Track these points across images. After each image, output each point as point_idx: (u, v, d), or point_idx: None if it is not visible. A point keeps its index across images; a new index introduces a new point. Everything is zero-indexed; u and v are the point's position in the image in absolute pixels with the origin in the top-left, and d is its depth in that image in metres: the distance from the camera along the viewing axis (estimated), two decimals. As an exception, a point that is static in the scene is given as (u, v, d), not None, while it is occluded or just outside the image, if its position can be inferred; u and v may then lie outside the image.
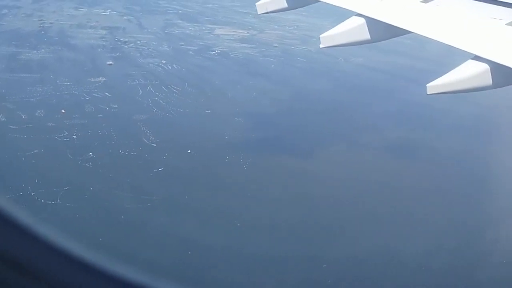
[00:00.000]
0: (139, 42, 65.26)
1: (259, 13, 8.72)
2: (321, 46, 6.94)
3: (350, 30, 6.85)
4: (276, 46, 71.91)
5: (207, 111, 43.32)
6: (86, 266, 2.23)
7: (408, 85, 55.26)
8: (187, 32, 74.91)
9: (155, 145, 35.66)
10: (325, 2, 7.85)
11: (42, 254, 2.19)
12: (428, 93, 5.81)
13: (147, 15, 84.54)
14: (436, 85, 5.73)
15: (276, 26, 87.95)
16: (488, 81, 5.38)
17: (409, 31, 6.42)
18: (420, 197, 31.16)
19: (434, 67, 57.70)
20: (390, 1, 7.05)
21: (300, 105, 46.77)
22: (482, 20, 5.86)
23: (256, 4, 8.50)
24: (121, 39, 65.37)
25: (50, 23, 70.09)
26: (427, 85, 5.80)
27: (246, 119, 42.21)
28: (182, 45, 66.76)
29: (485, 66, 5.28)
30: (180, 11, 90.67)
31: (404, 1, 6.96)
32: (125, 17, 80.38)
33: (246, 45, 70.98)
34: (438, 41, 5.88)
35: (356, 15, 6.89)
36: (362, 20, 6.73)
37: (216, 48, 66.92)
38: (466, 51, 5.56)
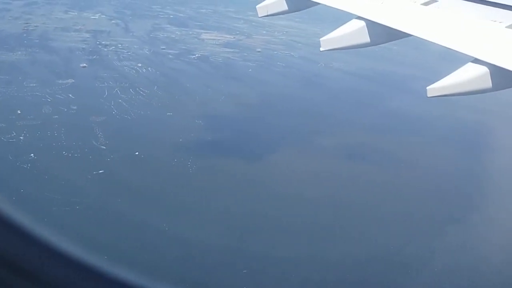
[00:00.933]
0: (120, 45, 64.97)
1: (259, 15, 8.88)
2: (321, 49, 6.99)
3: (350, 33, 6.89)
4: (259, 51, 71.26)
5: (168, 113, 42.78)
6: None
7: (383, 90, 54.57)
8: (173, 36, 74.56)
9: (104, 147, 35.10)
10: (325, 5, 7.93)
11: None
12: (428, 96, 5.79)
13: (137, 19, 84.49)
14: (435, 87, 5.76)
15: (264, 32, 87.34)
16: (488, 83, 5.38)
17: (409, 34, 6.41)
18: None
19: (416, 73, 57.52)
20: (390, 4, 7.07)
21: (266, 109, 46.02)
22: (482, 22, 5.88)
23: (257, 7, 8.58)
24: (103, 42, 65.21)
25: (35, 26, 70.21)
26: (427, 88, 5.82)
27: (206, 121, 41.57)
28: (164, 49, 66.35)
29: (484, 69, 5.34)
30: (171, 16, 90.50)
31: (404, 3, 6.95)
32: (113, 21, 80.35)
33: (228, 50, 70.41)
34: (438, 44, 5.94)
35: (356, 18, 6.93)
36: (362, 23, 6.79)
37: (198, 52, 66.40)
38: (465, 54, 5.61)
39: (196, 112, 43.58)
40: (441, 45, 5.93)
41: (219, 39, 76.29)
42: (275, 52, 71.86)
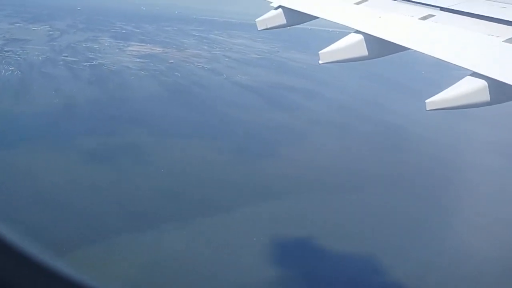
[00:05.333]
0: (21, 52, 66.10)
1: (259, 29, 8.86)
2: (320, 62, 6.97)
3: (348, 46, 6.96)
4: (171, 62, 70.26)
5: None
6: None
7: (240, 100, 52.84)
8: (96, 47, 75.13)
9: None
10: (323, 19, 8.06)
11: None
12: (427, 109, 5.73)
13: (80, 32, 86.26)
14: (434, 101, 5.73)
15: (205, 47, 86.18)
16: (486, 97, 5.46)
17: (407, 48, 6.49)
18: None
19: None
20: (388, 18, 7.23)
21: (85, 110, 46.38)
22: (480, 37, 6.02)
23: (256, 20, 8.62)
24: (5, 49, 66.40)
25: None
26: (426, 101, 5.72)
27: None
28: (66, 56, 66.78)
29: (483, 83, 5.38)
30: (123, 31, 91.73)
31: (402, 18, 7.13)
32: (50, 32, 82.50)
33: (140, 60, 69.94)
34: (436, 57, 6.02)
35: (354, 32, 7.06)
36: (360, 37, 6.84)
37: (99, 61, 66.32)
38: (464, 68, 5.64)
39: (14, 109, 43.80)
40: (438, 59, 6.02)
41: (143, 51, 75.92)
42: (187, 64, 70.43)
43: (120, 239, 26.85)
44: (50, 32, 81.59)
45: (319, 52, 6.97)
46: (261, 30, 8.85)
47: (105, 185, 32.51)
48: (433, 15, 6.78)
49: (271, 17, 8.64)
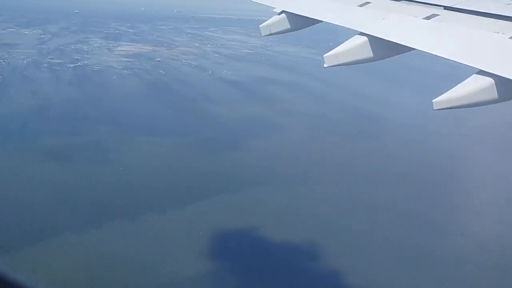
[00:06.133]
0: (7, 55, 66.32)
1: (263, 35, 8.85)
2: (325, 65, 6.98)
3: (353, 49, 6.98)
4: (158, 60, 69.86)
5: None
6: None
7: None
8: (85, 48, 75.10)
9: None
10: (327, 22, 8.12)
11: None
12: (434, 109, 5.73)
13: (72, 34, 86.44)
14: (441, 100, 5.73)
15: (197, 44, 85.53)
16: (494, 95, 5.48)
17: (412, 48, 6.51)
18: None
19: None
20: (392, 19, 7.27)
21: (58, 111, 46.29)
22: (485, 35, 6.02)
23: (260, 26, 8.59)
24: (-8, 53, 66.71)
25: None
26: (433, 100, 5.71)
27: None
28: (52, 58, 66.76)
29: (490, 80, 5.39)
30: (117, 31, 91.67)
31: (406, 18, 7.16)
32: (42, 36, 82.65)
33: (125, 59, 69.67)
34: (442, 57, 5.99)
35: (359, 34, 7.07)
36: (365, 39, 6.87)
37: (84, 62, 66.27)
38: (470, 66, 5.62)
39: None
40: (444, 58, 5.97)
41: (132, 51, 75.62)
42: (174, 61, 69.92)
43: (61, 238, 26.36)
44: (42, 36, 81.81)
45: (324, 55, 6.91)
46: (265, 36, 8.80)
47: (57, 183, 32.21)
48: (437, 15, 6.77)
49: (275, 23, 8.60)
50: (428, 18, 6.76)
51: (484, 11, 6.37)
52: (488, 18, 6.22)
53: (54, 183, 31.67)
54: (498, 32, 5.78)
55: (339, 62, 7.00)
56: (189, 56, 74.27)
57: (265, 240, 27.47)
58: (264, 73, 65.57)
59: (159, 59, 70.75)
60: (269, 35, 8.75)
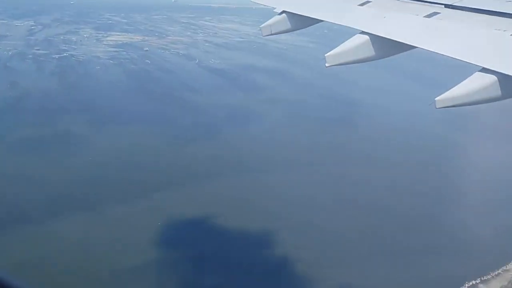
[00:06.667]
0: (-8, 47, 65.54)
1: (263, 35, 8.70)
2: (326, 65, 6.85)
3: (354, 48, 6.95)
4: (146, 50, 68.89)
5: None
6: None
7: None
8: (73, 39, 74.43)
9: None
10: (328, 22, 8.07)
11: None
12: (436, 107, 5.63)
13: (64, 25, 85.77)
14: (444, 98, 5.64)
15: (189, 33, 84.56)
16: (497, 92, 5.44)
17: (414, 46, 6.48)
18: None
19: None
20: (393, 17, 7.22)
21: (35, 102, 45.68)
22: (487, 32, 5.97)
23: (261, 26, 8.34)
24: (-26, 45, 66.38)
25: None
26: (436, 99, 5.60)
27: None
28: (37, 49, 66.16)
29: (493, 78, 5.34)
30: (110, 22, 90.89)
31: (407, 17, 7.09)
32: (33, 27, 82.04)
33: (113, 49, 68.98)
34: (443, 55, 5.97)
35: (360, 33, 7.00)
36: (366, 38, 6.82)
37: (70, 52, 65.60)
38: (472, 64, 5.54)
39: None
40: (446, 56, 5.89)
41: (121, 40, 74.87)
42: (162, 51, 69.05)
43: (21, 227, 25.91)
44: (32, 27, 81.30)
45: (325, 55, 6.74)
46: (266, 36, 8.63)
47: (22, 175, 31.48)
48: (438, 13, 6.74)
49: (275, 23, 8.42)
50: (429, 16, 6.73)
51: (485, 9, 6.34)
52: (489, 16, 6.19)
53: (19, 175, 31.06)
54: (499, 30, 5.74)
55: (341, 61, 6.95)
56: (178, 46, 73.34)
57: (217, 229, 26.94)
58: (252, 61, 64.51)
59: (147, 48, 69.91)
60: (270, 35, 8.57)
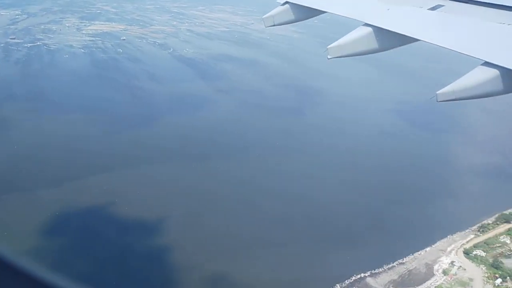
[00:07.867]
0: (-34, 36, 64.89)
1: (265, 26, 8.62)
2: (328, 57, 6.84)
3: (358, 39, 6.90)
4: (123, 39, 67.57)
5: None
6: None
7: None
8: (54, 28, 73.47)
9: None
10: (331, 13, 8.01)
11: None
12: (438, 101, 5.63)
13: (50, 14, 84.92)
14: (446, 92, 5.62)
15: (175, 23, 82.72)
16: (499, 86, 5.41)
17: (417, 39, 6.50)
18: None
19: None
20: (397, 10, 7.24)
21: None
22: (490, 25, 6.02)
23: (263, 17, 8.40)
24: None
25: None
26: (437, 92, 5.58)
27: None
28: (12, 38, 65.37)
29: (495, 72, 5.33)
30: (98, 11, 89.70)
31: (411, 9, 7.14)
32: (17, 16, 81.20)
33: (89, 38, 67.89)
34: (447, 48, 5.91)
35: (363, 25, 6.96)
36: (370, 30, 6.80)
37: (44, 41, 64.59)
38: (474, 57, 5.55)
39: None
40: (449, 49, 5.86)
41: (101, 30, 73.64)
42: (139, 40, 67.65)
43: None
44: (17, 16, 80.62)
45: (328, 47, 6.63)
46: (268, 27, 8.47)
47: None
48: (442, 5, 6.85)
49: (278, 13, 8.27)
50: (433, 8, 6.82)
51: (489, 2, 6.36)
52: (493, 9, 6.25)
53: None
54: (503, 23, 5.82)
55: (344, 54, 6.88)
56: (158, 35, 71.73)
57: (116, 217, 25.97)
58: (227, 51, 62.53)
59: (124, 37, 68.53)
60: (272, 26, 8.34)
